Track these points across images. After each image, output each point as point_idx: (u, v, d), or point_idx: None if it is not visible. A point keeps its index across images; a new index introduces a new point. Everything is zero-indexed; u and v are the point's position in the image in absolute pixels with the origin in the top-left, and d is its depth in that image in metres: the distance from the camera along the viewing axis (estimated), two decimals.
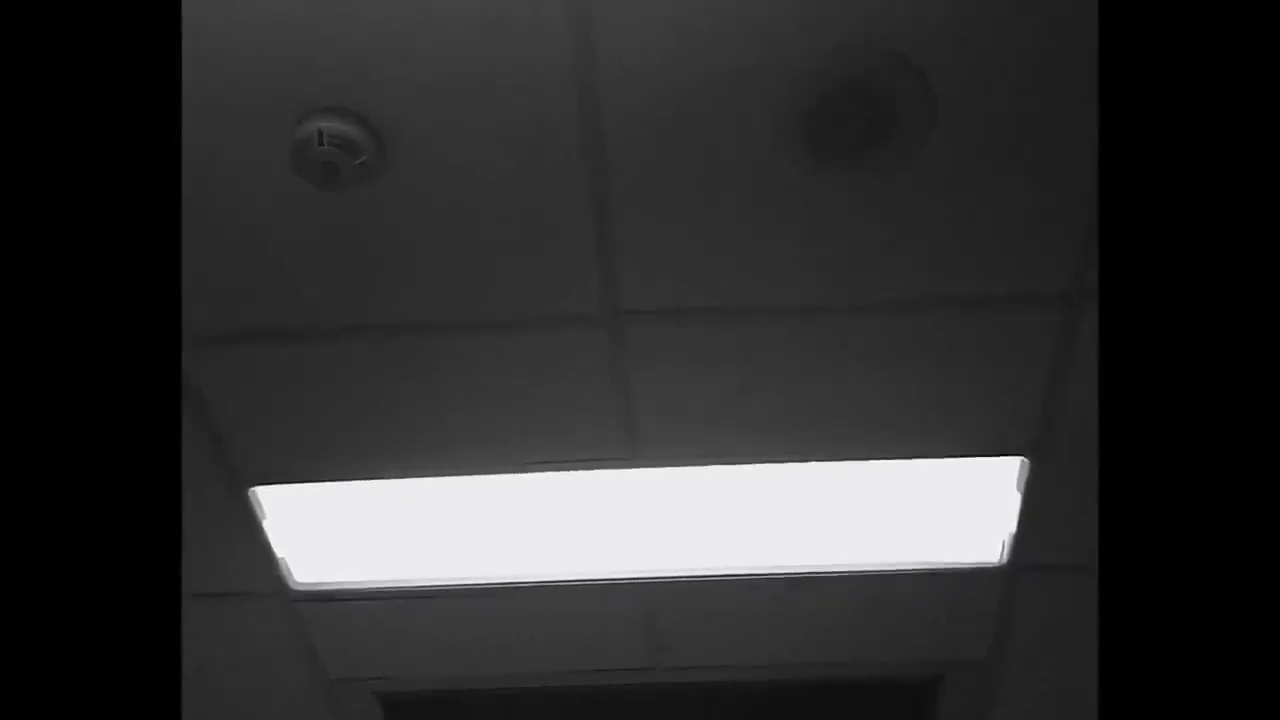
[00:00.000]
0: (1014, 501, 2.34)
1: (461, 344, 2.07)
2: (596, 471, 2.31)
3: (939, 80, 1.69)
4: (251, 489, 2.35)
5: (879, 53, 1.66)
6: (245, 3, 1.62)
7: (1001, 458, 2.26)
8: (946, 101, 1.72)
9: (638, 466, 2.29)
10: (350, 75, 1.70)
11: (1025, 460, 2.26)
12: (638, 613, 2.61)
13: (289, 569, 2.54)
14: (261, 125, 1.76)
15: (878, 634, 2.64)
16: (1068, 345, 2.04)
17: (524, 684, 2.82)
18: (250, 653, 2.74)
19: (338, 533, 2.47)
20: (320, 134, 1.72)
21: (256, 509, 2.39)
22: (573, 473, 2.31)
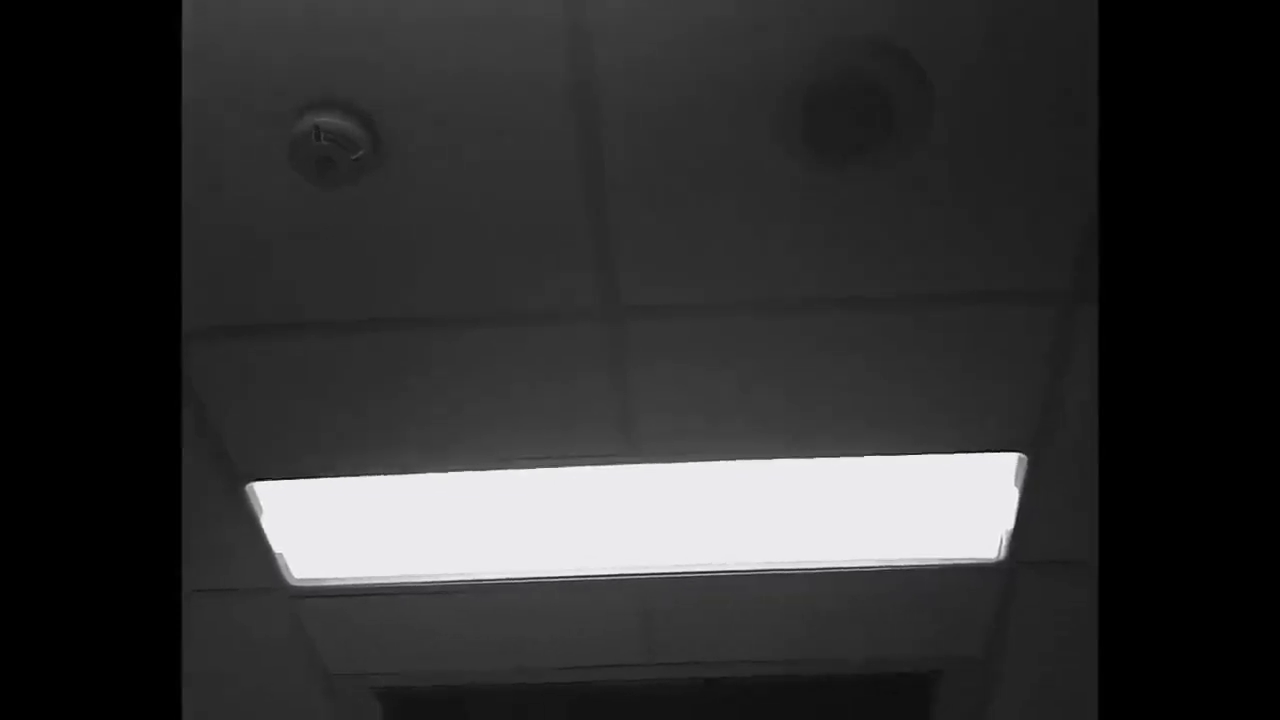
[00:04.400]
0: (1011, 497, 2.35)
1: (459, 339, 2.07)
2: (594, 467, 2.31)
3: (936, 75, 1.69)
4: (249, 485, 2.35)
5: (875, 48, 1.66)
6: None
7: (999, 454, 2.26)
8: (944, 96, 1.72)
9: (635, 462, 2.29)
10: (347, 71, 1.70)
11: (1023, 456, 2.26)
12: (635, 608, 2.61)
13: (287, 565, 2.54)
14: (258, 120, 1.76)
15: (874, 630, 2.64)
16: (1066, 341, 2.04)
17: (521, 679, 2.82)
18: (248, 649, 2.74)
19: (336, 528, 2.47)
20: (317, 129, 1.72)
21: (254, 505, 2.39)
22: (570, 468, 2.31)
